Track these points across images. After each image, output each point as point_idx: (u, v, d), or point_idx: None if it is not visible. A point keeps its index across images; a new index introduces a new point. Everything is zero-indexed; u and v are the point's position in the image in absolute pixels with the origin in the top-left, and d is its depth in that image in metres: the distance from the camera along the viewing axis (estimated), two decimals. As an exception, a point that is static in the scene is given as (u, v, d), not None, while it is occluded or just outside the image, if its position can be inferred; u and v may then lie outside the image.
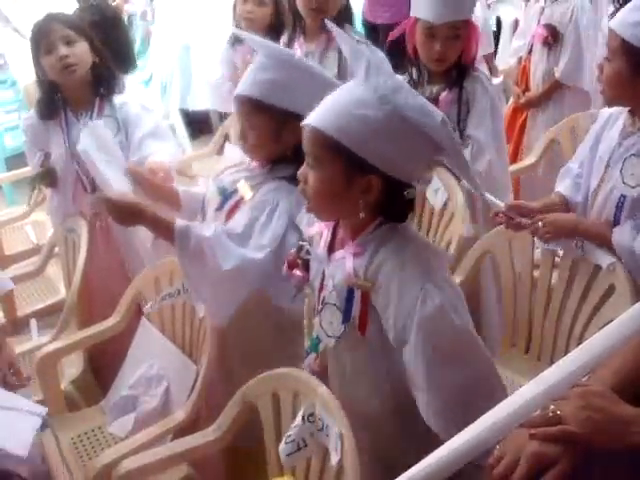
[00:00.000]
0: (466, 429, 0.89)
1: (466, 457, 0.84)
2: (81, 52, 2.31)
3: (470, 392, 1.29)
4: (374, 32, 5.31)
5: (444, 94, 2.29)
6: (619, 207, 1.83)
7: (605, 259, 1.80)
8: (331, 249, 1.43)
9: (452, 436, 1.11)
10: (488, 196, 1.94)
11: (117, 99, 2.41)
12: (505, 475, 0.97)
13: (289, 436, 1.39)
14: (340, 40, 1.42)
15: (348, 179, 1.29)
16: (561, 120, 2.98)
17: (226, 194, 1.88)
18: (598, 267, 1.83)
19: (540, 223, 1.86)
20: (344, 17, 2.72)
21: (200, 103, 5.13)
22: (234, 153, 2.00)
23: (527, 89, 3.48)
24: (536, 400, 0.85)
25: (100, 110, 2.38)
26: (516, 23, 4.66)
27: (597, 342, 0.85)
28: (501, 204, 1.97)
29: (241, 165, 1.93)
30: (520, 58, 3.56)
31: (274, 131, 1.76)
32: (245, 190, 1.82)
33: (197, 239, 1.70)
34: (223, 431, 1.61)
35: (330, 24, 1.49)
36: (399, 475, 0.89)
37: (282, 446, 1.39)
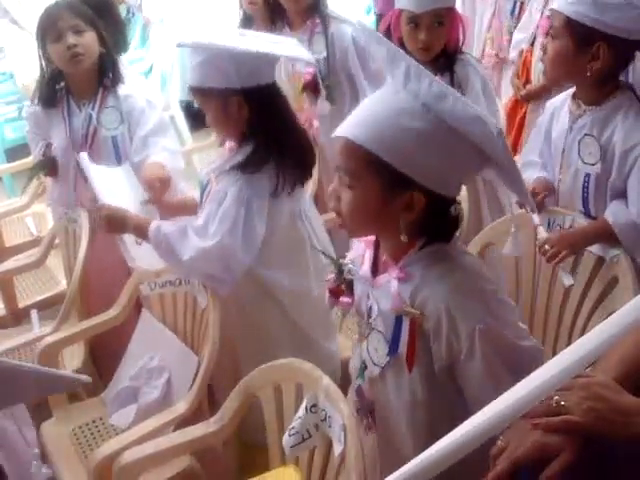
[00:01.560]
0: (469, 419, 0.89)
1: (469, 447, 0.84)
2: (89, 42, 2.30)
3: None
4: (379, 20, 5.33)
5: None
6: (585, 187, 1.89)
7: (608, 251, 1.80)
8: (374, 271, 1.34)
9: None
10: (535, 218, 1.92)
11: (122, 90, 2.40)
12: (508, 465, 0.97)
13: (292, 428, 1.38)
14: (372, 42, 1.27)
15: (387, 196, 1.19)
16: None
17: (203, 187, 1.96)
18: (601, 259, 1.83)
19: (547, 246, 1.84)
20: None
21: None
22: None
23: (528, 82, 3.46)
24: (539, 390, 0.85)
25: (103, 101, 2.38)
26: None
27: (600, 332, 0.84)
28: (538, 221, 1.92)
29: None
30: (522, 51, 3.55)
31: (219, 110, 1.84)
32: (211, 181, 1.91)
33: (165, 236, 1.87)
34: (225, 422, 1.61)
35: (362, 24, 1.44)
36: None
37: (286, 438, 1.39)
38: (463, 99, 1.15)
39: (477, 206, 2.40)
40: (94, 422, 2.06)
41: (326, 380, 1.38)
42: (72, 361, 2.34)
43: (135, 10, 5.67)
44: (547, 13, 3.28)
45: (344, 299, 1.42)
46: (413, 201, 1.18)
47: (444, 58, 2.33)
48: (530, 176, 2.10)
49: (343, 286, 1.42)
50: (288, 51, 1.94)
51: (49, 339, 2.10)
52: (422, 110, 1.15)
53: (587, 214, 1.92)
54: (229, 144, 1.97)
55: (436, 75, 2.26)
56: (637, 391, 1.02)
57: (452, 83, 2.30)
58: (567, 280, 1.88)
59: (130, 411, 1.98)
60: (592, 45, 1.76)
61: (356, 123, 1.20)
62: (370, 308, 1.34)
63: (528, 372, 1.19)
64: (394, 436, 1.36)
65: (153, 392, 1.96)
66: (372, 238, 1.34)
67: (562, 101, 1.98)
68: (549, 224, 1.94)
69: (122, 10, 5.41)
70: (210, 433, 1.62)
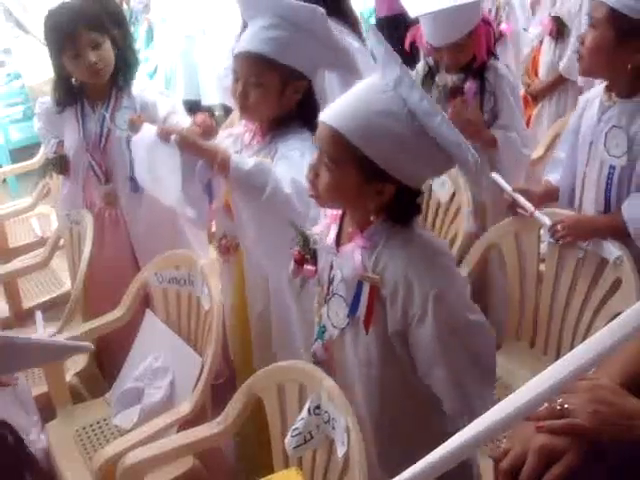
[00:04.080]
0: (474, 422, 0.89)
1: (472, 449, 0.84)
2: (107, 53, 2.28)
3: (477, 365, 1.35)
4: (380, 27, 5.35)
5: (468, 84, 2.36)
6: (609, 179, 1.87)
7: (612, 252, 1.80)
8: (338, 241, 1.44)
9: (471, 406, 1.30)
10: (499, 179, 2.03)
11: (134, 89, 2.39)
12: (512, 468, 0.97)
13: (295, 429, 1.38)
14: (373, 41, 1.31)
15: (362, 183, 1.29)
16: (565, 114, 2.97)
17: None
18: (605, 260, 1.83)
19: (559, 226, 1.88)
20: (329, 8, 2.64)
21: (210, 98, 5.13)
22: (224, 142, 2.00)
23: (536, 76, 3.48)
24: (544, 394, 0.85)
25: (117, 102, 2.37)
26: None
27: (606, 335, 0.84)
28: (509, 187, 2.01)
29: (235, 148, 1.93)
30: (533, 48, 3.55)
31: (278, 89, 1.79)
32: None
33: (254, 161, 1.76)
34: (228, 423, 1.61)
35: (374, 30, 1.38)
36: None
37: (288, 439, 1.39)
38: (449, 123, 1.23)
39: (482, 208, 2.40)
40: (98, 423, 2.07)
41: (329, 382, 1.38)
42: (76, 362, 2.35)
43: (139, 14, 5.68)
44: (553, 13, 3.31)
45: (308, 267, 1.51)
46: (384, 189, 1.30)
47: (474, 65, 2.36)
48: (553, 177, 2.11)
49: (308, 256, 1.51)
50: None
51: (53, 340, 2.11)
52: (408, 117, 1.23)
53: (607, 210, 1.89)
54: (250, 133, 1.92)
55: (466, 78, 2.35)
56: (640, 394, 1.01)
57: (482, 89, 2.35)
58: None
59: (134, 412, 1.98)
60: (635, 38, 1.73)
61: (343, 115, 1.27)
62: (332, 276, 1.44)
63: (474, 344, 1.33)
64: (350, 394, 1.42)
65: (157, 393, 1.96)
66: (338, 213, 1.45)
67: (595, 94, 1.96)
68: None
69: (126, 14, 5.43)
70: (214, 434, 1.62)
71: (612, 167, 1.85)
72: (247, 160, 1.77)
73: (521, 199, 1.97)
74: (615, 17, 1.73)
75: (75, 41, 2.22)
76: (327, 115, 1.29)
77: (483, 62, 2.37)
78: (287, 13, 1.75)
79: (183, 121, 2.27)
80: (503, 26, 3.29)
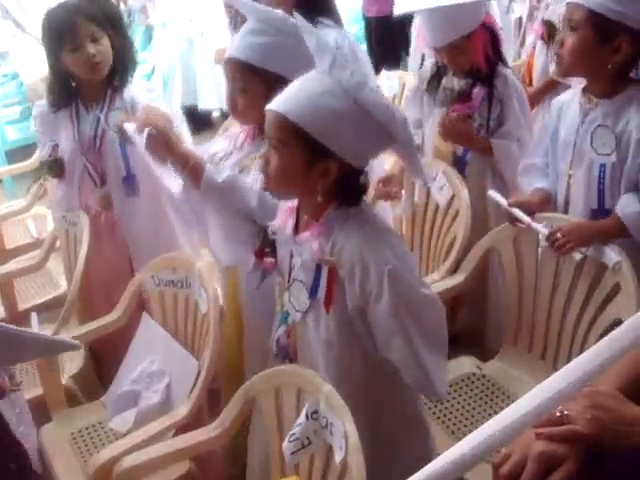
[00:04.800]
0: (473, 433, 0.88)
1: (473, 462, 0.83)
2: (105, 49, 2.28)
3: (431, 336, 1.46)
4: (369, 25, 5.40)
5: (476, 90, 2.36)
6: (601, 177, 1.89)
7: (611, 258, 1.79)
8: (296, 232, 1.53)
9: (429, 374, 1.43)
10: (496, 196, 2.04)
11: (127, 91, 2.38)
12: (512, 474, 0.96)
13: (293, 434, 1.38)
14: (304, 32, 1.47)
15: (308, 163, 1.39)
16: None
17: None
18: (604, 266, 1.82)
19: (558, 234, 1.88)
20: (317, 7, 2.63)
21: (207, 102, 5.13)
22: (217, 144, 2.01)
23: (531, 85, 3.47)
24: (547, 404, 0.84)
25: (111, 102, 2.36)
26: (519, 21, 4.64)
27: (607, 346, 0.84)
28: (505, 202, 2.01)
29: (228, 149, 1.95)
30: (528, 54, 3.55)
31: (265, 95, 1.76)
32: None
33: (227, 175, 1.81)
34: (225, 427, 1.60)
35: (298, 17, 1.51)
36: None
37: (286, 444, 1.38)
38: (377, 91, 1.39)
39: (484, 211, 2.41)
40: (94, 426, 2.06)
41: (327, 387, 1.37)
42: (71, 364, 2.34)
43: (136, 14, 5.68)
44: (545, 17, 3.31)
45: (268, 259, 1.61)
46: (329, 168, 1.39)
47: (481, 71, 2.37)
48: (528, 183, 2.10)
49: (267, 249, 1.62)
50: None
51: (49, 342, 2.09)
52: (342, 93, 1.35)
53: (601, 208, 1.90)
54: (244, 134, 1.93)
55: (474, 84, 2.36)
56: (639, 401, 1.01)
57: (490, 96, 2.36)
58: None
59: (130, 415, 1.97)
60: (614, 38, 1.75)
61: (286, 99, 1.40)
62: (293, 264, 1.53)
63: (427, 317, 1.47)
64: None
65: (153, 397, 1.95)
66: (294, 205, 1.54)
67: (570, 98, 1.98)
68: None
69: (124, 14, 5.43)
70: (210, 438, 1.61)
71: (602, 165, 1.87)
72: (221, 173, 1.82)
73: (517, 212, 1.97)
74: (595, 19, 1.75)
75: (74, 33, 2.22)
76: (272, 104, 1.41)
77: (492, 68, 2.36)
78: (266, 18, 1.78)
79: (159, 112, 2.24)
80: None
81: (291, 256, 1.54)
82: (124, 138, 2.04)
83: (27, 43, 4.93)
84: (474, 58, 2.33)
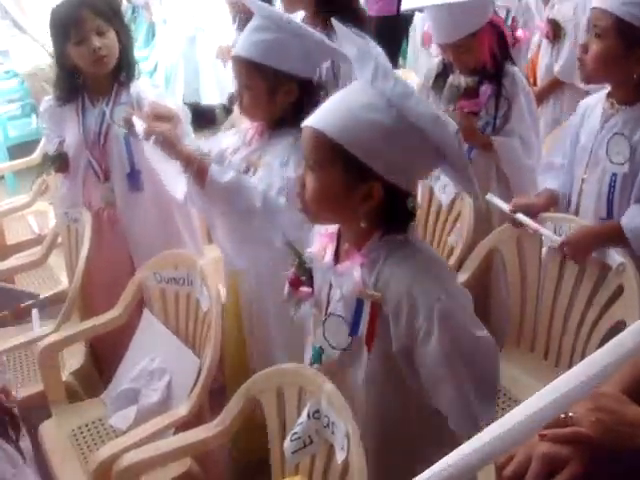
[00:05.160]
0: (476, 437, 0.87)
1: (477, 466, 0.82)
2: (111, 43, 2.27)
3: (483, 382, 1.32)
4: (369, 24, 5.37)
5: (484, 87, 2.35)
6: (611, 186, 1.86)
7: (615, 259, 1.79)
8: (336, 260, 1.39)
9: (477, 424, 1.27)
10: (496, 200, 2.01)
11: (134, 86, 2.38)
12: (515, 475, 0.96)
13: (295, 433, 1.37)
14: (344, 41, 1.36)
15: (349, 185, 1.25)
16: (560, 118, 2.97)
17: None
18: (607, 267, 1.82)
19: (565, 249, 1.86)
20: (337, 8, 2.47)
21: (209, 98, 5.12)
22: (228, 139, 2.02)
23: (535, 84, 3.46)
24: (553, 408, 0.83)
25: (117, 97, 2.36)
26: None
27: (612, 350, 0.83)
28: (506, 207, 1.99)
29: (237, 145, 1.96)
30: (532, 54, 3.54)
31: (268, 91, 1.81)
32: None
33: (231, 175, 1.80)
34: (226, 426, 1.59)
35: (337, 24, 1.38)
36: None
37: (287, 443, 1.37)
38: (424, 101, 1.23)
39: (487, 211, 2.40)
40: (94, 423, 2.05)
41: (329, 386, 1.37)
42: (72, 361, 2.34)
43: (140, 10, 5.67)
44: (550, 16, 3.30)
45: (304, 289, 1.46)
46: (372, 191, 1.25)
47: (487, 69, 2.35)
48: (544, 181, 2.09)
49: (303, 277, 1.47)
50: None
51: (49, 339, 2.09)
52: (386, 106, 1.21)
53: (609, 218, 1.88)
54: (252, 130, 1.94)
55: (481, 81, 2.34)
56: (643, 403, 1.00)
57: (498, 95, 2.34)
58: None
59: (130, 413, 1.96)
60: None
61: (324, 115, 1.27)
62: (330, 296, 1.39)
63: (481, 362, 1.29)
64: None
65: (153, 394, 1.94)
66: (334, 231, 1.41)
67: (595, 101, 1.95)
68: (555, 231, 1.93)
69: (128, 10, 5.43)
70: (211, 437, 1.60)
71: (614, 175, 1.85)
72: (226, 172, 1.81)
73: (522, 218, 1.94)
74: (622, 27, 1.73)
75: (80, 26, 2.22)
76: (309, 120, 1.28)
77: (499, 66, 2.35)
78: (269, 15, 1.79)
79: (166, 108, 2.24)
80: (519, 32, 3.30)
81: (330, 287, 1.40)
82: (131, 132, 2.03)
83: (26, 43, 4.92)
84: (480, 56, 2.32)
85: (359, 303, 1.32)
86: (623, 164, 1.82)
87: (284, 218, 1.78)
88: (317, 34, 1.82)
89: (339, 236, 1.41)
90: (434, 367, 1.28)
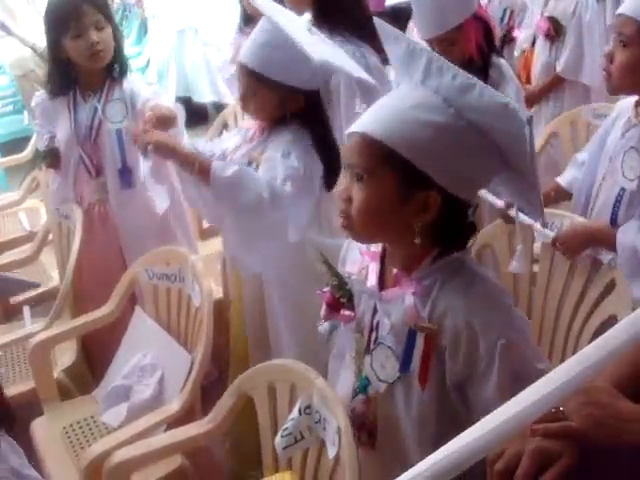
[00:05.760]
0: (467, 431, 0.86)
1: (467, 462, 0.81)
2: (108, 38, 2.28)
3: None
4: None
5: None
6: (618, 200, 1.82)
7: (606, 254, 1.79)
8: (381, 283, 1.27)
9: None
10: (487, 195, 1.91)
11: (126, 82, 2.38)
12: (506, 470, 0.96)
13: (286, 429, 1.36)
14: (388, 40, 1.23)
15: (402, 195, 1.13)
16: (561, 115, 2.96)
17: None
18: (599, 262, 1.82)
19: (557, 244, 1.84)
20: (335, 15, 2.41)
21: (202, 95, 5.10)
22: (230, 140, 2.03)
23: (528, 82, 3.46)
24: (544, 402, 0.83)
25: (109, 93, 2.35)
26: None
27: (604, 344, 0.83)
28: (499, 202, 1.93)
29: (238, 143, 1.98)
30: (523, 51, 3.53)
31: (277, 101, 1.84)
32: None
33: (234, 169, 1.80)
34: (217, 423, 1.59)
35: (380, 22, 1.25)
36: None
37: (278, 439, 1.37)
38: (490, 88, 1.10)
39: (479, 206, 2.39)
40: (85, 420, 2.04)
41: (321, 382, 1.36)
42: (64, 358, 2.33)
43: (131, 7, 5.65)
44: (546, 14, 3.30)
45: (345, 312, 1.32)
46: (429, 201, 1.13)
47: (474, 62, 2.34)
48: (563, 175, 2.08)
49: (343, 299, 1.33)
50: (351, 68, 1.86)
51: (41, 336, 2.09)
52: (443, 104, 1.11)
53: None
54: (252, 129, 1.96)
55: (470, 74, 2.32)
56: (635, 397, 1.01)
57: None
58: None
59: (122, 409, 1.96)
60: None
61: (372, 119, 1.15)
62: (377, 323, 1.27)
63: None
64: (399, 453, 1.29)
65: (145, 391, 1.94)
66: (377, 250, 1.28)
67: (628, 105, 1.88)
68: (547, 226, 1.92)
69: (119, 9, 5.40)
70: (202, 433, 1.60)
71: (622, 189, 1.80)
72: (229, 166, 1.82)
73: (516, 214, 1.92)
74: None
75: (79, 20, 2.21)
76: (355, 125, 1.16)
77: (485, 59, 2.35)
78: (276, 27, 1.78)
79: (167, 109, 2.24)
80: (516, 31, 3.30)
81: (373, 311, 1.27)
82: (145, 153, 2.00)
83: (13, 44, 4.88)
84: (466, 49, 2.31)
85: (411, 335, 1.20)
86: (633, 180, 1.76)
87: (293, 210, 1.80)
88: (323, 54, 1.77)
89: (383, 257, 1.28)
90: (492, 403, 1.12)
